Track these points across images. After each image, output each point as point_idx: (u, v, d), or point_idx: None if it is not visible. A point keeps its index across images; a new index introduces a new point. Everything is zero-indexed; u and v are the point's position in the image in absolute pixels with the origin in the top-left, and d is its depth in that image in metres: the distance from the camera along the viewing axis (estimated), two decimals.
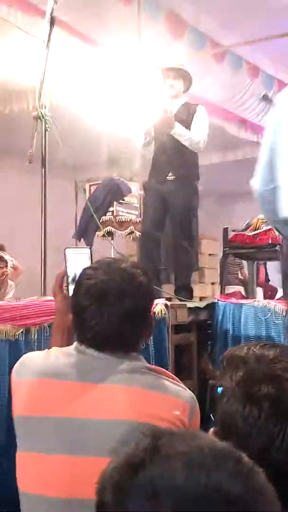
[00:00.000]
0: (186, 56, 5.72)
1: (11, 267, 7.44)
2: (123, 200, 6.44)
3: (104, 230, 6.02)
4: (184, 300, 4.45)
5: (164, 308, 3.60)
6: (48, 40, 3.90)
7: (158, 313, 3.53)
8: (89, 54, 5.82)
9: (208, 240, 8.79)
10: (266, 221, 5.63)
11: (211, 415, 1.26)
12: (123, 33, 5.58)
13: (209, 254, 8.96)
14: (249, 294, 6.63)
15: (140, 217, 6.19)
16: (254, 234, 5.61)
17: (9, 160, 9.36)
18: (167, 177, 4.80)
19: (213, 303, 4.40)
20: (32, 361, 1.75)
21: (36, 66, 4.14)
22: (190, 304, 4.25)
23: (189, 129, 4.72)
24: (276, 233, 4.83)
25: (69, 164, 4.00)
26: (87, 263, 1.96)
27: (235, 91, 7.12)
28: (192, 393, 1.73)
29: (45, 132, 3.89)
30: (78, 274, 1.83)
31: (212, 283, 8.72)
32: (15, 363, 1.80)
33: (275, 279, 7.75)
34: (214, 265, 8.28)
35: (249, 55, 6.91)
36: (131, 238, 6.66)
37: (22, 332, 3.15)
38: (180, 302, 4.27)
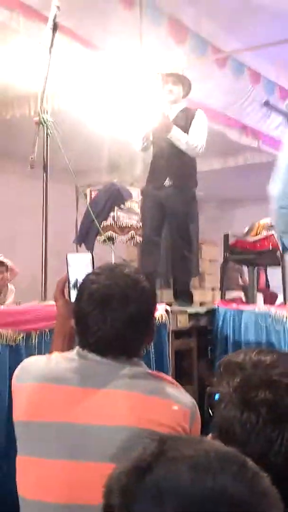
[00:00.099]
0: (188, 62, 5.73)
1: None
2: (124, 205, 6.44)
3: (105, 235, 6.02)
4: (184, 306, 4.45)
5: (165, 313, 3.60)
6: (51, 46, 3.91)
7: (158, 319, 3.53)
8: (90, 59, 5.82)
9: (209, 245, 8.80)
10: (266, 227, 5.64)
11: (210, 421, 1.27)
12: (125, 38, 5.59)
13: (210, 260, 8.96)
14: (250, 300, 6.63)
15: (140, 222, 6.19)
16: (255, 240, 5.62)
17: (10, 164, 9.37)
18: (165, 183, 4.77)
19: (214, 309, 4.40)
20: (33, 365, 1.75)
21: (38, 71, 4.16)
22: (190, 310, 4.25)
23: (188, 134, 4.71)
24: (279, 243, 4.84)
25: (70, 169, 4.00)
26: (89, 269, 1.96)
27: (236, 97, 7.13)
28: (193, 399, 1.73)
29: (47, 137, 3.91)
30: (79, 280, 1.83)
31: (213, 289, 8.72)
32: (16, 368, 1.80)
33: (276, 285, 7.74)
34: (215, 271, 8.28)
35: (251, 61, 6.91)
36: (132, 243, 6.66)
37: (22, 337, 3.14)
38: (181, 308, 4.26)
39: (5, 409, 2.87)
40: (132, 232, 6.39)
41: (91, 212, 5.59)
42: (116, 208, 6.40)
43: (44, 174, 3.92)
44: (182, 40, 5.98)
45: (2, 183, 9.69)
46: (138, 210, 6.38)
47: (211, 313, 4.36)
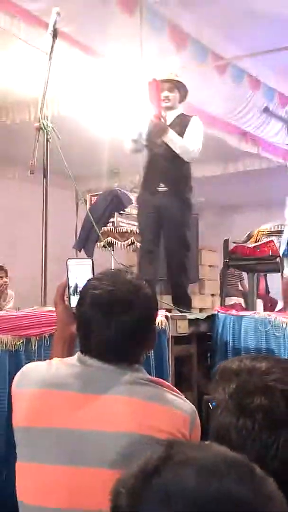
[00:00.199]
0: (188, 69, 5.73)
1: None
2: (124, 211, 6.45)
3: (104, 241, 6.02)
4: (182, 311, 4.45)
5: (165, 319, 3.60)
6: (51, 52, 3.92)
7: (158, 324, 3.52)
8: (91, 65, 5.83)
9: (208, 251, 8.81)
10: (266, 233, 5.65)
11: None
12: (125, 44, 5.60)
13: (209, 266, 8.98)
14: (249, 306, 6.63)
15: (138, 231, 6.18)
16: (255, 246, 5.62)
17: (10, 170, 9.39)
18: (159, 189, 4.73)
19: (213, 315, 4.39)
20: (33, 371, 1.75)
21: (38, 77, 4.17)
22: (190, 316, 4.24)
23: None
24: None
25: (70, 174, 4.00)
26: (89, 274, 1.96)
27: (236, 103, 7.14)
28: (193, 405, 1.73)
29: (47, 142, 3.91)
30: (79, 285, 1.82)
31: (212, 295, 8.73)
32: (15, 373, 1.80)
33: (276, 291, 7.74)
34: (214, 277, 8.30)
35: (251, 68, 6.93)
36: (132, 249, 6.66)
37: (22, 342, 3.14)
38: (180, 314, 4.26)
39: (4, 415, 2.87)
40: (132, 238, 6.39)
41: (91, 217, 5.59)
42: (116, 214, 6.40)
43: (44, 180, 3.92)
44: (182, 46, 6.00)
45: (2, 188, 9.70)
46: None
47: (211, 319, 4.36)
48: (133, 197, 6.51)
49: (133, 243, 6.41)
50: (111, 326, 1.65)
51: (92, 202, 6.67)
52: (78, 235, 6.63)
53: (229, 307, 5.66)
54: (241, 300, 7.98)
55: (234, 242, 5.87)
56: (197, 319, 4.29)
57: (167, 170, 4.73)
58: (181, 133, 4.70)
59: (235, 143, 8.11)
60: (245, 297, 7.82)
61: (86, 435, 1.59)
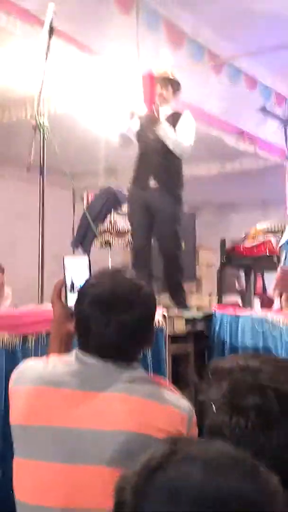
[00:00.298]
0: (184, 68, 5.73)
1: None
2: (121, 209, 6.44)
3: (101, 239, 6.02)
4: (179, 306, 4.43)
5: (162, 318, 3.60)
6: (47, 50, 3.91)
7: (156, 323, 3.52)
8: (87, 63, 5.82)
9: (205, 250, 8.80)
10: (263, 232, 5.65)
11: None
12: (121, 42, 5.60)
13: (207, 265, 8.96)
14: (247, 305, 6.63)
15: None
16: (252, 245, 5.63)
17: (6, 168, 9.37)
18: (150, 184, 4.71)
19: (210, 314, 4.40)
20: (31, 369, 1.75)
21: (34, 75, 4.16)
22: (187, 315, 4.24)
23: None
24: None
25: (66, 172, 4.00)
26: (86, 272, 1.95)
27: (233, 103, 7.14)
28: (190, 404, 1.73)
29: (43, 140, 3.90)
30: (76, 283, 1.82)
31: (209, 294, 8.71)
32: (12, 371, 1.79)
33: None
34: (211, 276, 8.28)
35: (247, 67, 6.94)
36: (129, 247, 6.64)
37: (19, 340, 3.14)
38: (177, 313, 4.26)
39: (1, 413, 2.86)
40: (129, 236, 6.38)
41: (88, 216, 5.58)
42: (113, 213, 6.39)
43: (41, 178, 3.91)
44: (179, 45, 6.00)
45: (1, 188, 9.69)
46: None
47: (208, 318, 4.36)
48: None
49: (130, 241, 6.40)
50: (110, 325, 1.65)
51: (89, 199, 6.66)
52: (75, 233, 6.62)
53: (226, 306, 5.66)
54: (238, 299, 7.98)
55: (231, 241, 5.88)
56: (194, 318, 4.30)
57: (158, 164, 4.71)
58: (173, 128, 4.69)
59: (232, 142, 8.11)
60: (242, 296, 7.82)
61: (84, 433, 1.58)
